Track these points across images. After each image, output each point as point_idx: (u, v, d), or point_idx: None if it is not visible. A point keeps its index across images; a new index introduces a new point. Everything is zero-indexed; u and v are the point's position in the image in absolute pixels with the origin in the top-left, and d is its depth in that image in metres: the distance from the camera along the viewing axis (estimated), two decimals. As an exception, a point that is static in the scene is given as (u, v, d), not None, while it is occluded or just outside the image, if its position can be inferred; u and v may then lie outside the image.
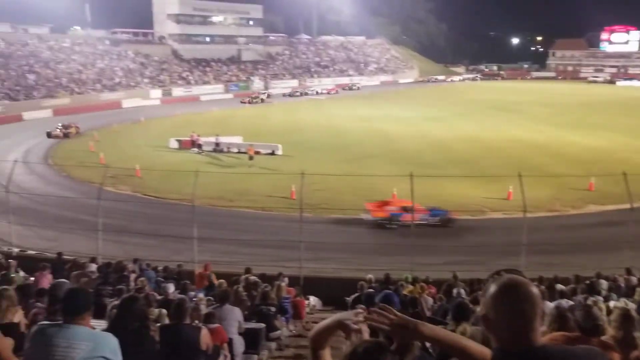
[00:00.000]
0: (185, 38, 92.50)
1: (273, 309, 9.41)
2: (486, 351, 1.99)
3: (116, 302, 6.97)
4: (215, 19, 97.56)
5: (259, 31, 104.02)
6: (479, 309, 2.59)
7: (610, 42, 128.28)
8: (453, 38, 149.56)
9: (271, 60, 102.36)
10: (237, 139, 40.49)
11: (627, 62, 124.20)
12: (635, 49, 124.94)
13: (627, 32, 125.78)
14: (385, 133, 46.27)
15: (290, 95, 79.35)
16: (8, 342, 4.63)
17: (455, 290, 10.58)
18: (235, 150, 38.51)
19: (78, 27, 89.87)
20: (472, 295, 9.80)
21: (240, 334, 7.80)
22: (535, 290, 1.99)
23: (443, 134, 45.51)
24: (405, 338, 1.97)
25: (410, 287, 11.40)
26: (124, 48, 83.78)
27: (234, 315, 7.66)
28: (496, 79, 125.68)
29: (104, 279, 11.48)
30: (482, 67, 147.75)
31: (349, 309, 10.30)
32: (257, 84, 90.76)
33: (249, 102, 72.97)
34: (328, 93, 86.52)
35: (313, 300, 13.80)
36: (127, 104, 68.61)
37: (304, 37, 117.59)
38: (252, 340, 8.10)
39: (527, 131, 46.51)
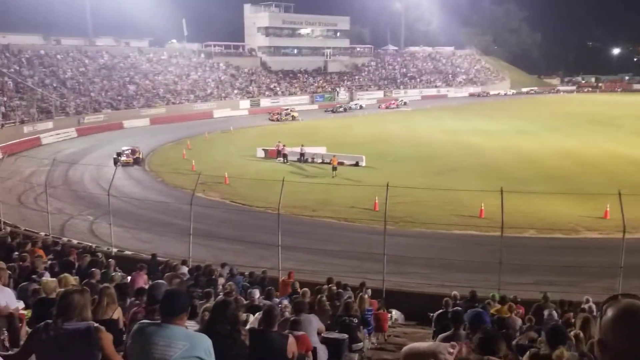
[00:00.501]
0: (274, 50, 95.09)
1: (356, 320, 9.41)
2: None
3: (208, 305, 7.28)
4: (303, 31, 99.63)
5: (345, 42, 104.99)
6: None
7: None
8: (548, 48, 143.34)
9: (357, 72, 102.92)
10: (321, 150, 41.00)
11: None
12: None
13: None
14: (474, 146, 45.10)
15: (333, 111, 76.78)
16: (111, 338, 4.94)
17: (546, 312, 10.07)
18: (319, 160, 39.02)
19: (174, 41, 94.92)
20: (564, 318, 9.31)
21: (321, 342, 7.84)
22: None
23: (535, 148, 43.69)
24: None
25: (498, 306, 10.99)
26: (217, 60, 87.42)
27: (312, 323, 7.73)
28: (594, 91, 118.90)
29: (195, 282, 11.98)
30: (579, 78, 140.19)
31: (433, 324, 10.12)
32: (342, 95, 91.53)
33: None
34: (382, 107, 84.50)
35: (396, 313, 13.67)
36: (217, 113, 71.57)
37: (391, 47, 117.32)
38: (335, 350, 8.14)
39: (627, 146, 43.62)
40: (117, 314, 7.15)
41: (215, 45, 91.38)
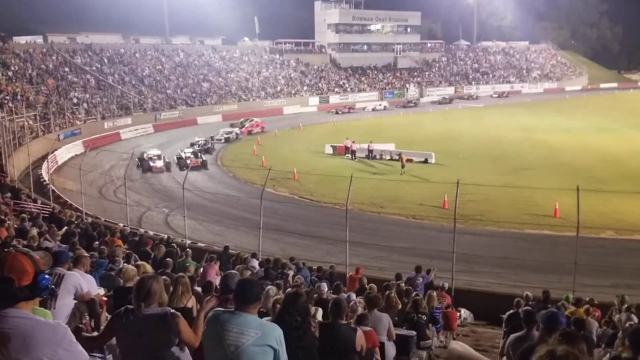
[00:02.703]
0: (344, 47, 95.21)
1: (424, 317, 9.36)
2: None
3: (278, 297, 7.46)
4: (373, 27, 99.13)
5: (416, 38, 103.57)
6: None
7: None
8: (629, 42, 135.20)
9: (427, 67, 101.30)
10: (390, 146, 40.74)
11: None
12: None
13: None
14: (549, 144, 43.38)
15: (337, 112, 71.11)
16: (186, 323, 5.13)
17: (625, 315, 9.61)
18: (388, 157, 38.81)
19: (247, 38, 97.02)
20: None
21: (392, 340, 7.83)
22: None
23: (615, 147, 41.46)
24: None
25: (572, 308, 10.59)
26: (287, 57, 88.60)
27: (383, 321, 7.71)
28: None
29: (265, 274, 12.28)
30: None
31: (504, 324, 9.89)
32: (412, 91, 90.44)
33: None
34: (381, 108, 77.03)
35: (465, 312, 13.45)
36: (287, 110, 72.64)
37: (463, 43, 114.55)
38: (403, 346, 8.12)
39: None
40: (191, 302, 7.45)
41: (286, 43, 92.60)
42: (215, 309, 4.35)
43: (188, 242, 19.16)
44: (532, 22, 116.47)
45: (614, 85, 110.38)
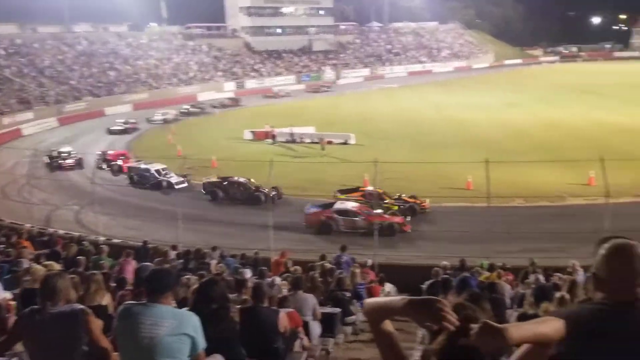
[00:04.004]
0: (257, 30, 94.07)
1: (348, 294, 9.46)
2: (558, 325, 2.06)
3: (196, 287, 7.23)
4: (286, 10, 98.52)
5: (329, 20, 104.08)
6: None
7: None
8: (530, 20, 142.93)
9: (342, 50, 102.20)
10: (310, 130, 40.86)
11: None
12: None
13: None
14: (461, 120, 45.15)
15: (224, 105, 63.24)
16: (98, 323, 4.88)
17: (532, 277, 10.21)
18: (309, 140, 38.90)
19: (154, 24, 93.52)
20: (550, 282, 9.42)
21: (317, 319, 7.86)
22: None
23: (522, 120, 43.88)
24: (492, 345, 1.88)
25: (487, 273, 11.11)
26: (198, 42, 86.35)
27: (308, 302, 7.76)
28: (576, 61, 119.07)
29: (184, 266, 11.94)
30: (561, 49, 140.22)
31: (424, 295, 10.17)
32: (328, 73, 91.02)
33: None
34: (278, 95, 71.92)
35: (388, 286, 13.73)
36: (202, 97, 70.73)
37: (375, 24, 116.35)
38: (328, 324, 8.17)
39: (610, 114, 43.93)
40: (106, 299, 7.11)
41: (197, 27, 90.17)
42: (126, 302, 4.17)
43: (102, 238, 18.30)
44: (440, 2, 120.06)
45: (518, 61, 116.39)
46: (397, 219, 21.42)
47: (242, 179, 26.48)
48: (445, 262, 12.35)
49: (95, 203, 19.49)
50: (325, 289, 9.99)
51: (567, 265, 11.71)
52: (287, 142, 38.97)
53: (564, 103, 52.39)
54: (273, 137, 39.52)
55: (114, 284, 8.52)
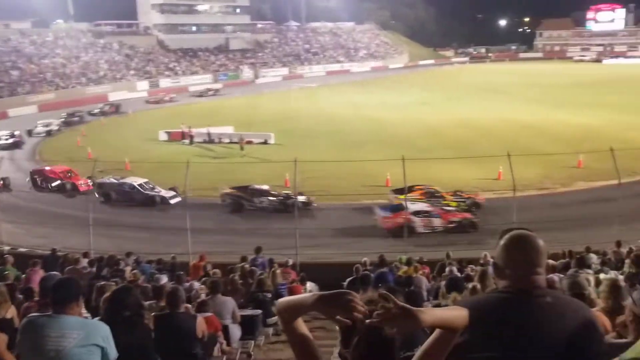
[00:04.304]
0: (171, 28, 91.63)
1: (269, 295, 9.40)
2: (463, 313, 2.13)
3: (108, 295, 6.91)
4: (200, 7, 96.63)
5: (246, 19, 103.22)
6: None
7: (596, 21, 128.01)
8: (442, 21, 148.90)
9: (260, 49, 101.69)
10: (229, 129, 40.30)
11: (613, 40, 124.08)
12: (621, 27, 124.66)
13: (613, 10, 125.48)
14: (379, 119, 46.19)
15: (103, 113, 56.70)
16: (2, 337, 4.56)
17: (447, 269, 10.63)
18: (227, 140, 38.35)
19: (61, 21, 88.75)
20: (464, 273, 9.84)
21: (237, 322, 7.77)
22: (540, 242, 2.31)
23: (435, 118, 45.49)
24: (406, 328, 1.91)
25: (405, 267, 11.43)
26: (109, 40, 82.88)
27: (227, 305, 7.66)
28: (485, 62, 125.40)
29: (97, 274, 11.40)
30: (471, 49, 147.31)
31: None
32: (246, 72, 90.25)
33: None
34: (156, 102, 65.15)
35: (310, 285, 13.79)
36: (113, 97, 67.80)
37: (293, 24, 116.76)
38: (249, 326, 8.09)
39: (517, 112, 46.60)
40: (10, 312, 6.64)
41: (106, 24, 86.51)
42: (31, 314, 3.93)
43: (6, 248, 17.10)
44: (356, 2, 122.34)
45: (431, 62, 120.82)
46: (468, 215, 21.34)
47: (265, 186, 24.82)
48: (365, 259, 12.58)
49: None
50: (246, 291, 9.90)
51: (479, 257, 12.28)
52: (205, 142, 38.23)
53: (474, 102, 54.96)
54: (190, 137, 38.63)
55: (21, 296, 7.99)
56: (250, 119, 47.25)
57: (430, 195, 22.73)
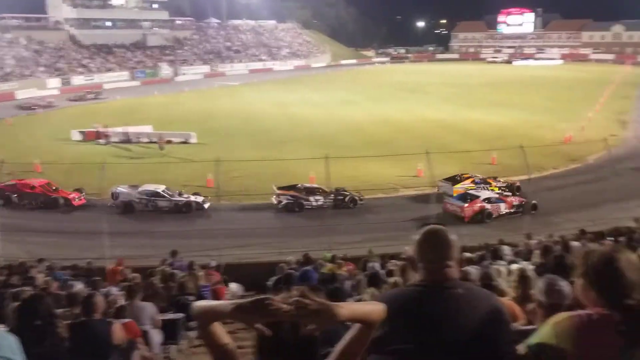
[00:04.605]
0: (84, 22, 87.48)
1: (191, 298, 9.15)
2: (379, 307, 2.14)
3: (17, 304, 6.48)
4: (115, 1, 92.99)
5: (164, 15, 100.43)
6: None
7: (507, 24, 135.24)
8: (362, 22, 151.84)
9: (179, 45, 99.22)
10: (147, 129, 38.97)
11: (522, 42, 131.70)
12: (530, 30, 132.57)
13: (522, 14, 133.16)
14: (302, 117, 46.34)
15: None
16: None
17: (370, 265, 10.84)
18: (146, 140, 37.08)
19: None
20: (386, 268, 10.06)
21: (158, 327, 7.54)
22: (452, 236, 2.40)
23: (358, 117, 46.23)
24: (324, 324, 1.89)
25: (329, 265, 11.52)
26: (15, 35, 77.93)
27: (146, 310, 7.42)
28: (404, 62, 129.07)
29: (5, 281, 10.67)
30: (391, 50, 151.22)
31: (270, 292, 10.24)
32: (165, 70, 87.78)
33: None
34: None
35: (234, 286, 13.59)
36: (21, 94, 63.76)
37: (213, 21, 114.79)
38: (171, 330, 7.85)
39: (435, 111, 48.26)
40: None
41: (12, 18, 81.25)
42: None
43: None
44: (277, 1, 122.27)
45: (354, 61, 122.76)
46: (521, 199, 22.86)
47: (314, 185, 23.98)
48: (290, 257, 12.58)
49: None
50: (167, 295, 9.61)
51: (401, 252, 12.60)
52: (122, 142, 36.76)
53: (395, 101, 56.39)
54: (106, 137, 37.03)
55: None
56: (170, 118, 46.00)
57: (478, 183, 24.25)
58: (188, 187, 25.17)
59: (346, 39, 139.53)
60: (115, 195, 23.40)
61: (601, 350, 2.12)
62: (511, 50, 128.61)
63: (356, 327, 2.09)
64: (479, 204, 21.74)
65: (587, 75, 79.97)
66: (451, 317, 2.24)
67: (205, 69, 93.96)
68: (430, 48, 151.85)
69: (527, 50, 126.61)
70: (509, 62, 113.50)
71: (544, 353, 2.23)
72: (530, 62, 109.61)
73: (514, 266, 8.55)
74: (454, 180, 24.52)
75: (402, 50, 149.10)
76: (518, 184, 24.62)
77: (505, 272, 7.18)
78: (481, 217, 21.52)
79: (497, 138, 34.84)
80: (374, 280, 5.22)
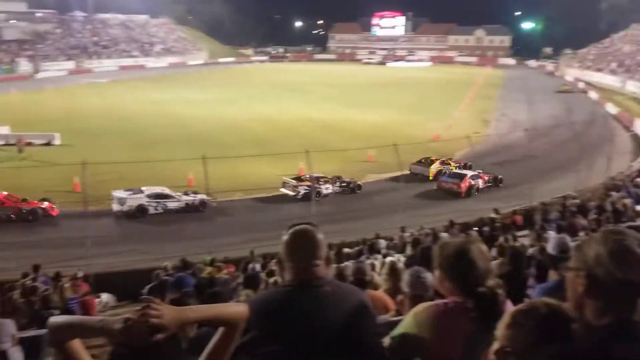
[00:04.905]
0: None
1: (57, 312, 8.47)
2: (241, 308, 2.15)
3: None
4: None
5: (22, 7, 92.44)
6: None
7: (380, 27, 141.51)
8: (240, 20, 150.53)
9: (40, 40, 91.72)
10: (4, 130, 35.55)
11: (395, 45, 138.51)
12: (402, 32, 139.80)
13: (394, 17, 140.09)
14: (179, 116, 44.87)
15: None
16: None
17: (250, 266, 10.73)
18: (2, 142, 33.78)
19: None
20: (268, 268, 10.02)
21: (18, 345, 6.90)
22: (319, 235, 2.41)
23: (238, 116, 45.73)
24: (172, 328, 1.83)
25: (209, 268, 11.24)
26: None
27: (4, 328, 6.78)
28: (283, 61, 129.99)
29: None
30: (269, 49, 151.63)
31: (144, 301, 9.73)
32: (24, 66, 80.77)
33: None
34: None
35: (105, 297, 12.82)
36: None
37: (79, 14, 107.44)
38: (33, 348, 7.20)
39: (314, 110, 49.11)
40: None
41: None
42: None
43: None
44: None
45: (232, 59, 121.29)
46: (489, 174, 26.76)
47: (319, 174, 24.18)
48: (167, 263, 12.09)
49: None
50: (29, 310, 8.84)
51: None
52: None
53: (275, 100, 56.56)
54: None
55: None
56: (30, 118, 42.32)
57: (443, 163, 28.00)
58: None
59: (224, 37, 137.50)
60: (121, 201, 21.96)
61: (456, 336, 2.24)
62: (385, 52, 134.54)
63: (220, 330, 2.08)
64: (468, 181, 24.86)
65: (453, 76, 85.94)
66: (319, 315, 2.26)
67: (70, 65, 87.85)
68: (309, 48, 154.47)
69: (399, 52, 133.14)
70: (383, 63, 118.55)
71: (406, 343, 2.31)
72: (402, 63, 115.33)
73: (388, 259, 8.90)
74: (422, 163, 28.05)
75: (281, 50, 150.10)
76: (470, 163, 28.54)
77: (379, 265, 7.43)
78: (470, 192, 24.74)
79: (373, 136, 36.25)
80: (251, 282, 5.15)
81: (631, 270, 1.73)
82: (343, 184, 25.42)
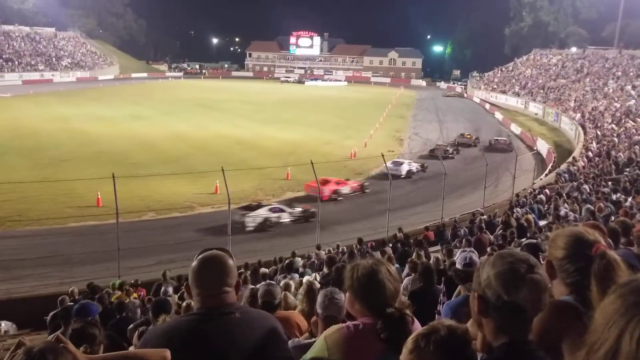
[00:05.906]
0: None
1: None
2: (162, 354, 2.08)
3: None
4: None
5: None
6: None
7: (298, 46, 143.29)
8: (154, 35, 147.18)
9: None
10: None
11: (312, 64, 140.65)
12: (318, 52, 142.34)
13: (311, 37, 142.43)
14: (87, 133, 42.81)
15: None
16: None
17: (163, 289, 10.37)
18: None
19: None
20: (181, 290, 9.73)
21: None
22: (229, 261, 2.40)
23: (150, 133, 44.33)
24: None
25: (119, 293, 10.75)
26: None
27: None
28: (199, 78, 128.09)
29: None
30: (185, 65, 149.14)
31: (48, 326, 9.12)
32: None
33: None
34: None
35: (5, 325, 11.92)
36: None
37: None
38: None
39: (231, 128, 48.60)
40: None
41: None
42: None
43: None
44: (58, 8, 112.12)
45: (145, 75, 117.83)
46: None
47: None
48: (73, 288, 11.44)
49: None
50: None
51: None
52: None
53: (190, 117, 55.35)
54: None
55: None
56: None
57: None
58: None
59: (137, 52, 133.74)
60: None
61: (367, 358, 2.26)
62: (302, 71, 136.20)
63: None
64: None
65: (368, 96, 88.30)
66: (228, 343, 2.24)
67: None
68: (226, 65, 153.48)
69: (316, 72, 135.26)
70: (300, 81, 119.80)
71: None
72: (319, 82, 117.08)
73: (306, 278, 8.91)
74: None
75: (197, 66, 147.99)
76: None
77: (295, 285, 7.41)
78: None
79: (290, 154, 36.43)
80: (162, 307, 4.97)
81: (517, 292, 1.81)
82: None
